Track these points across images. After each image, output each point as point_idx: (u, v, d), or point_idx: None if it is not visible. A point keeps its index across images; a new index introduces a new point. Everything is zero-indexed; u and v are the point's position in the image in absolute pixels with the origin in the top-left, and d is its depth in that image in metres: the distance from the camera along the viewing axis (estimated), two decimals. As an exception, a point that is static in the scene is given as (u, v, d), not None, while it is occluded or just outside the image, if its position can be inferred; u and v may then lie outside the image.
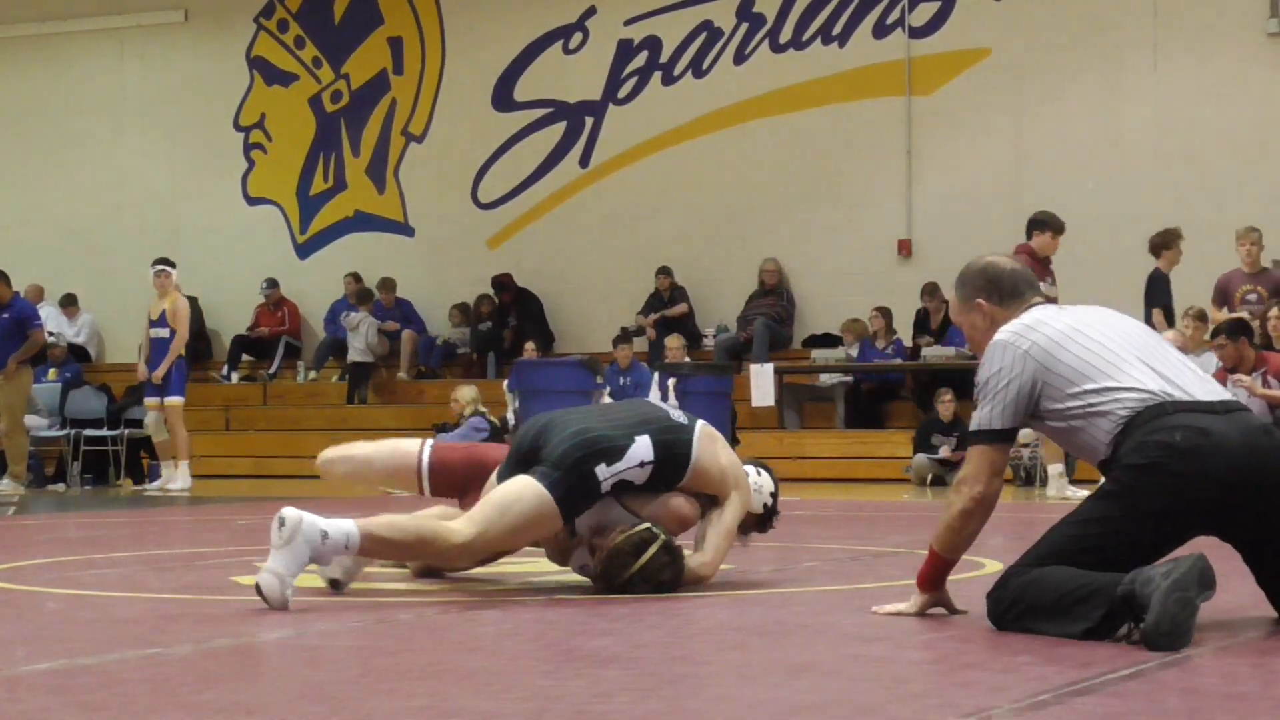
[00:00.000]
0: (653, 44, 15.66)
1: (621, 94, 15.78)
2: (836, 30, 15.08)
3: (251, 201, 17.07)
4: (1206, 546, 3.47)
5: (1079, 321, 3.59)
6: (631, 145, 15.70)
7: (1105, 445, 3.47)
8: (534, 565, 4.93)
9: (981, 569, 4.94)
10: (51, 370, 14.79)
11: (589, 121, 15.89)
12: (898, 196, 14.84)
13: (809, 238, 15.05)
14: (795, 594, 4.38)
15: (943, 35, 14.78)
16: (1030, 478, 11.90)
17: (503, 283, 15.78)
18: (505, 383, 13.27)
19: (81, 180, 17.41)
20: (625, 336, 14.02)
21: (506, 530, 4.08)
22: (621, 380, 13.38)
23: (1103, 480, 3.56)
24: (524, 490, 4.09)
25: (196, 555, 5.97)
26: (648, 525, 4.15)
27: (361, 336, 15.70)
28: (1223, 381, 8.94)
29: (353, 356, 15.74)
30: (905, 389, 14.31)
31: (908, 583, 3.85)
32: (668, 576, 4.13)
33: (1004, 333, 3.58)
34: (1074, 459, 10.10)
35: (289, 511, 3.83)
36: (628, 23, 15.72)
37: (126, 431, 13.76)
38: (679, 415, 4.38)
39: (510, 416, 12.65)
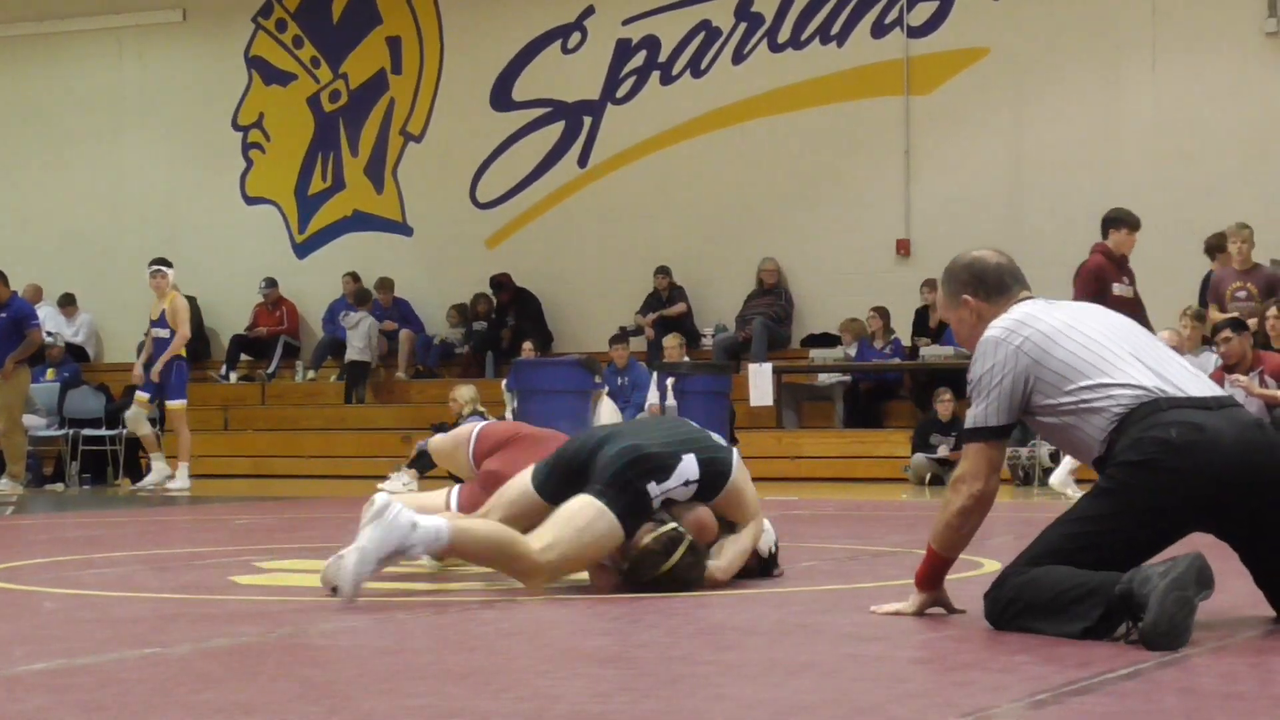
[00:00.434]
0: (651, 44, 15.67)
1: (620, 93, 15.78)
2: (835, 30, 15.08)
3: (250, 201, 17.06)
4: (1204, 545, 3.47)
5: (1071, 317, 3.58)
6: (630, 145, 15.71)
7: (1100, 442, 3.47)
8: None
9: (980, 568, 4.94)
10: (50, 370, 14.79)
11: (587, 121, 15.89)
12: (896, 196, 14.85)
13: (807, 237, 15.05)
14: (793, 593, 4.38)
15: (941, 35, 14.78)
16: (1029, 477, 11.91)
17: (501, 282, 15.78)
18: (504, 382, 13.25)
19: (80, 180, 17.41)
20: (623, 336, 14.03)
21: (580, 552, 4.14)
22: (619, 380, 13.38)
23: (1098, 478, 3.56)
24: (594, 512, 4.13)
25: (195, 555, 5.97)
26: (674, 525, 4.22)
27: (361, 336, 15.70)
28: (1220, 381, 8.94)
29: (351, 356, 15.73)
30: (903, 388, 14.32)
31: (906, 582, 3.85)
32: (694, 576, 4.22)
33: (995, 329, 3.57)
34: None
35: (380, 495, 3.87)
36: (626, 22, 15.73)
37: (125, 431, 13.75)
38: (717, 436, 4.48)
39: (509, 416, 12.63)
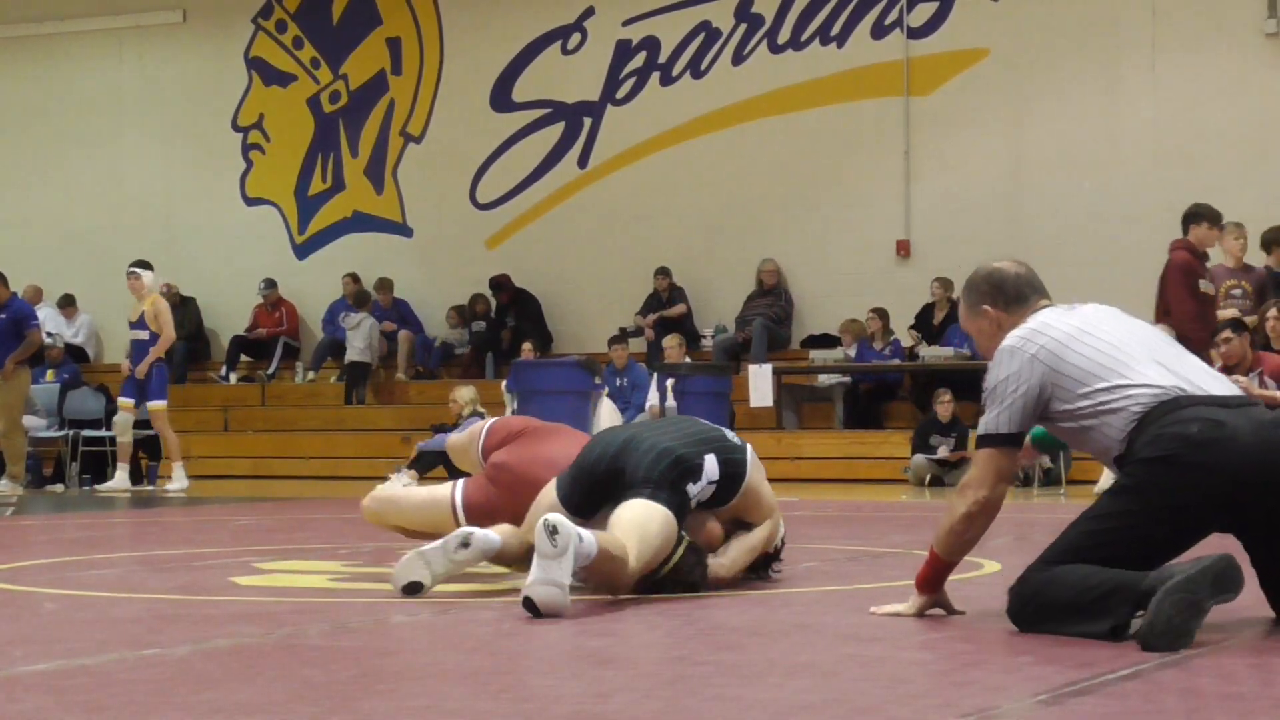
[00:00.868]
0: (651, 44, 15.67)
1: (620, 94, 15.78)
2: (835, 30, 15.08)
3: (250, 202, 17.07)
4: (1235, 548, 3.46)
5: (1086, 322, 3.59)
6: (630, 146, 15.71)
7: (1119, 442, 3.46)
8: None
9: (980, 569, 4.94)
10: (49, 371, 14.79)
11: (587, 122, 15.89)
12: (896, 197, 14.85)
13: (807, 238, 15.06)
14: (794, 594, 4.38)
15: (941, 36, 14.79)
16: (1029, 479, 11.90)
17: (500, 283, 15.78)
18: (503, 383, 13.26)
19: (80, 181, 17.41)
20: (622, 337, 14.03)
21: (653, 558, 4.08)
22: (618, 381, 13.38)
23: (1117, 477, 3.55)
24: (660, 516, 4.07)
25: (194, 556, 5.96)
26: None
27: (361, 337, 15.69)
28: (1220, 382, 8.91)
29: (351, 357, 15.73)
30: (903, 389, 14.31)
31: (906, 583, 3.85)
32: (697, 576, 4.20)
33: (1011, 338, 3.59)
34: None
35: (559, 520, 3.69)
36: (626, 23, 15.73)
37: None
38: (732, 435, 4.43)
39: (513, 416, 12.63)
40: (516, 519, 4.49)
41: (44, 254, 17.11)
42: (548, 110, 16.00)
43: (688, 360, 13.55)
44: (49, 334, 14.84)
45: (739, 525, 4.44)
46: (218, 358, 16.73)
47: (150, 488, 12.30)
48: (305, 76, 16.93)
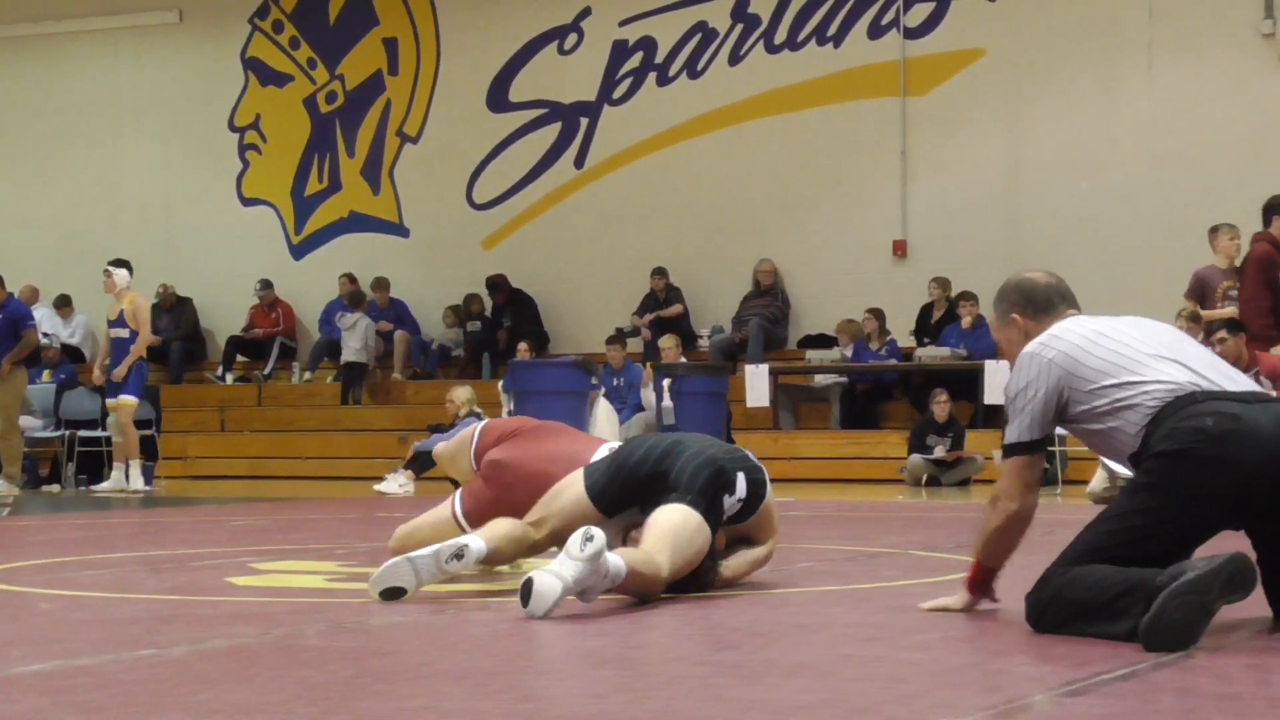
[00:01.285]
0: (647, 45, 15.67)
1: (616, 95, 15.78)
2: (831, 31, 15.09)
3: (246, 202, 17.06)
4: (1249, 547, 3.46)
5: (1105, 326, 3.62)
6: (626, 146, 15.71)
7: (1135, 438, 3.47)
8: (530, 564, 4.93)
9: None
10: (46, 371, 14.77)
11: (584, 122, 15.89)
12: (892, 197, 14.85)
13: (804, 238, 15.06)
14: (791, 594, 4.38)
15: (937, 36, 14.79)
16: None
17: (496, 283, 15.78)
18: (500, 383, 13.26)
19: (76, 181, 17.40)
20: (619, 337, 14.02)
21: (686, 565, 4.13)
22: (615, 381, 13.38)
23: (1134, 475, 3.56)
24: (696, 524, 4.12)
25: (191, 556, 5.96)
26: None
27: (357, 337, 15.68)
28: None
29: (347, 357, 15.72)
30: (900, 389, 14.32)
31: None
32: (711, 578, 4.26)
33: (1031, 344, 3.63)
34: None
35: (598, 531, 3.73)
36: (623, 23, 15.73)
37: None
38: (754, 458, 4.48)
39: (505, 417, 12.63)
40: (519, 512, 4.50)
41: (40, 254, 17.09)
42: (544, 110, 16.00)
43: (684, 360, 13.55)
44: (45, 334, 14.82)
45: (740, 540, 4.50)
46: (214, 358, 16.71)
47: (148, 488, 12.28)
48: (302, 77, 16.92)
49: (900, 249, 14.86)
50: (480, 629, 3.74)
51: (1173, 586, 3.17)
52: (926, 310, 14.34)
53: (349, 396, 15.66)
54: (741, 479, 4.29)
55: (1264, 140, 13.80)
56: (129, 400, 11.82)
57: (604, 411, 11.99)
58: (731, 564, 4.43)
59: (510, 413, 12.43)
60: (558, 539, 4.37)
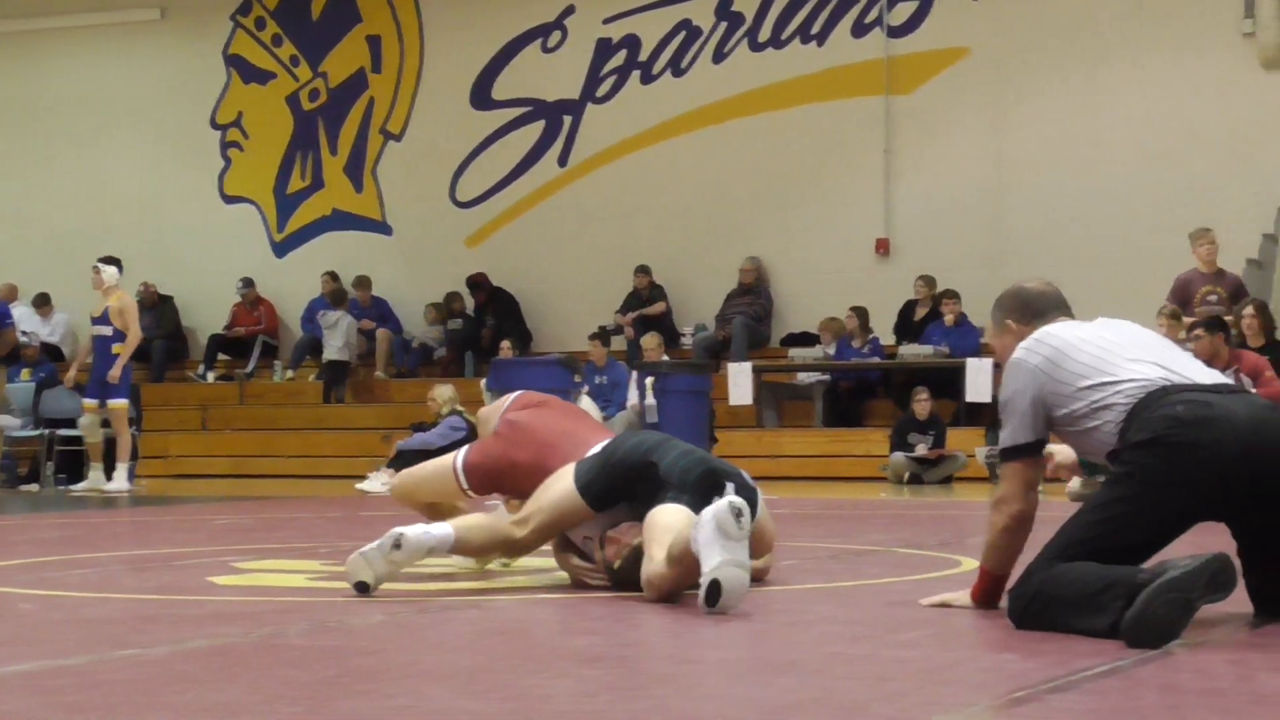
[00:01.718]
0: (631, 43, 15.66)
1: (600, 93, 15.77)
2: (815, 29, 15.10)
3: (228, 200, 17.00)
4: (1230, 546, 3.47)
5: (1089, 331, 3.68)
6: (610, 144, 15.70)
7: (1113, 436, 3.52)
8: (521, 564, 4.92)
9: (959, 566, 4.96)
10: (25, 370, 14.69)
11: (567, 120, 15.88)
12: (876, 196, 14.87)
13: (787, 237, 15.07)
14: (777, 592, 4.38)
15: (921, 34, 14.81)
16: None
17: (477, 282, 15.75)
18: (483, 382, 13.24)
19: (57, 178, 17.32)
20: (602, 335, 14.01)
21: (694, 565, 4.09)
22: (598, 379, 13.37)
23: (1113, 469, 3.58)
24: (689, 523, 4.07)
25: (174, 555, 5.94)
26: None
27: (339, 335, 15.63)
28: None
29: (329, 355, 15.67)
30: (883, 387, 14.33)
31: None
32: (636, 576, 4.18)
33: (1019, 349, 3.69)
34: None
35: (744, 505, 3.71)
36: (606, 21, 15.72)
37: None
38: (747, 477, 4.46)
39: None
40: (517, 478, 4.51)
41: (21, 251, 17.02)
42: (528, 108, 15.98)
43: (667, 359, 13.54)
44: (24, 333, 14.74)
45: None
46: (196, 356, 16.65)
47: (130, 487, 12.22)
48: (284, 74, 16.87)
49: (884, 247, 14.88)
50: (466, 627, 3.73)
51: (1157, 583, 3.18)
52: (909, 308, 14.36)
53: (331, 395, 15.62)
54: (731, 490, 4.26)
55: (1247, 139, 13.84)
56: (120, 403, 11.77)
57: (588, 409, 11.98)
58: None
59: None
60: (545, 535, 4.37)
